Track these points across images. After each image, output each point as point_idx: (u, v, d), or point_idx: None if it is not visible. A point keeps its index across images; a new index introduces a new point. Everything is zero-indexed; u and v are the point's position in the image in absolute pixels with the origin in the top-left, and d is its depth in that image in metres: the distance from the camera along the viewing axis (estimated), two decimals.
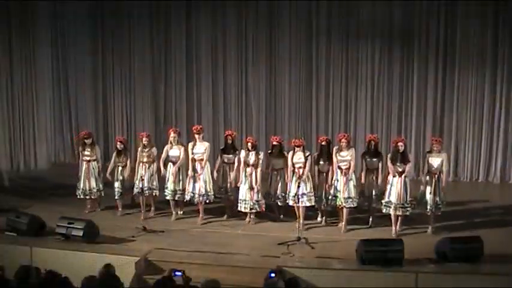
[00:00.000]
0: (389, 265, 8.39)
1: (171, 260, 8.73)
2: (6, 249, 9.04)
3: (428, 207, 9.88)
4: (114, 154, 10.89)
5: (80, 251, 8.91)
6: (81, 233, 9.29)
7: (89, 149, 10.92)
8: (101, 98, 14.99)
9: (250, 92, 14.32)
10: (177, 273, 7.00)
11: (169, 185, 10.54)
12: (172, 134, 10.52)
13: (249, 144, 10.39)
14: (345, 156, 10.11)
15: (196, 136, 10.55)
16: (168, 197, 10.64)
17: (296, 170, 10.09)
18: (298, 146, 10.17)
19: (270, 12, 13.91)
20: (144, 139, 10.71)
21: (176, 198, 10.61)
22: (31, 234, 9.56)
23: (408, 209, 9.87)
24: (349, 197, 10.07)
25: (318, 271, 8.40)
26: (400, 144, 10.01)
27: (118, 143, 10.84)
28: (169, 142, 10.56)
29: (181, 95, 14.61)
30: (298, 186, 9.92)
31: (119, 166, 10.83)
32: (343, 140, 10.19)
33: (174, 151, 10.50)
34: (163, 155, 10.63)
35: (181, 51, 14.43)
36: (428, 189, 9.90)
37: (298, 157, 10.11)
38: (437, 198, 9.90)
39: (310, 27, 13.82)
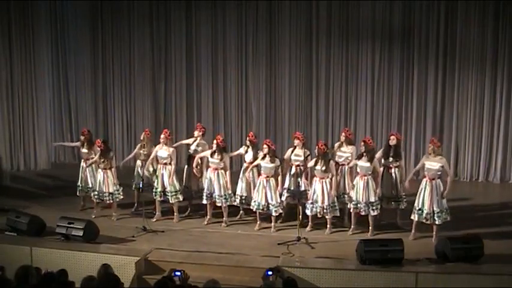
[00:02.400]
0: (389, 265, 8.39)
1: (171, 260, 8.74)
2: (6, 249, 9.04)
3: (425, 215, 9.35)
4: (97, 155, 10.56)
5: (80, 251, 8.90)
6: (81, 233, 9.29)
7: (87, 148, 10.90)
8: (101, 98, 14.99)
9: (250, 91, 14.33)
10: (177, 273, 6.98)
11: (159, 186, 10.45)
12: (162, 135, 10.47)
13: (248, 140, 10.41)
14: (344, 152, 10.12)
15: (196, 133, 10.67)
16: (156, 197, 10.53)
17: (294, 167, 10.01)
18: (298, 139, 10.05)
19: (270, 12, 13.91)
20: (142, 135, 10.90)
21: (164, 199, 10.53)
22: (31, 234, 9.56)
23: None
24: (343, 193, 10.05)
25: (318, 271, 8.39)
26: (392, 137, 9.96)
27: (101, 144, 10.49)
28: (160, 143, 10.49)
29: (181, 95, 14.61)
30: (298, 185, 9.88)
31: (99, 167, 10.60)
32: (343, 134, 10.20)
33: (163, 152, 10.42)
34: (152, 155, 10.54)
35: (181, 51, 14.43)
36: (423, 195, 9.36)
37: (298, 154, 10.06)
38: (435, 206, 9.32)
39: (310, 27, 13.82)
